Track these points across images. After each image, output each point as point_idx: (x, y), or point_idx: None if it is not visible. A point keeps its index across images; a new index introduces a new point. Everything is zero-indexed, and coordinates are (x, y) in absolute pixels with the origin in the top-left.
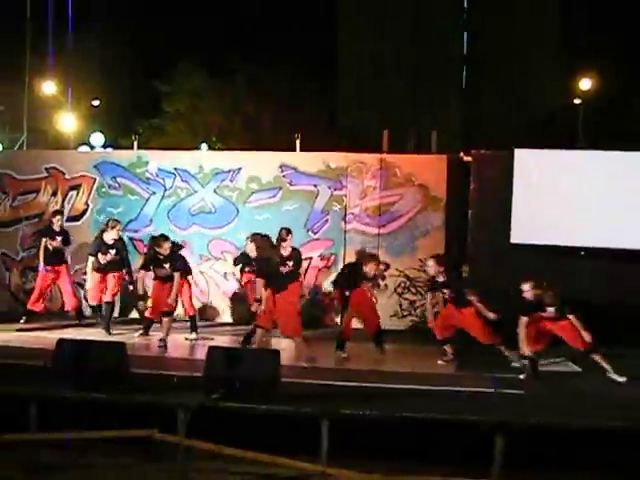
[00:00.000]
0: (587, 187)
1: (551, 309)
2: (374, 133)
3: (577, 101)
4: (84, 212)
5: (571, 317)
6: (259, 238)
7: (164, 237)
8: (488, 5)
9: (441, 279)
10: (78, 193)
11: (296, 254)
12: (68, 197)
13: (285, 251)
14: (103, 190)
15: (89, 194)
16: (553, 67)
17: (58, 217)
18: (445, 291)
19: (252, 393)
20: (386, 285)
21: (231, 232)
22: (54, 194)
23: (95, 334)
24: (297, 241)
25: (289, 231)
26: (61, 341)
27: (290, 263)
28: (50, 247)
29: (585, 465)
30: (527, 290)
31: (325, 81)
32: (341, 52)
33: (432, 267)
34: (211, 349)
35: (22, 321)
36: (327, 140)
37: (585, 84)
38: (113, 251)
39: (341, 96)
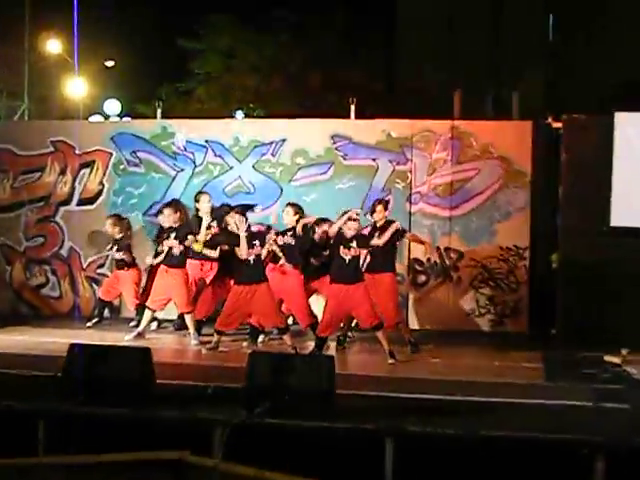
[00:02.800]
0: None
1: None
2: (443, 96)
3: None
4: (98, 194)
5: None
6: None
7: None
8: None
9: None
10: (91, 171)
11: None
12: (79, 176)
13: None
14: (121, 167)
15: (104, 172)
16: None
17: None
18: None
19: (303, 407)
20: (460, 278)
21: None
22: (62, 173)
23: None
24: None
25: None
26: (73, 346)
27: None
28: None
29: None
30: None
31: (383, 32)
32: None
33: None
34: (253, 355)
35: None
36: (387, 105)
37: None
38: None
39: (402, 51)
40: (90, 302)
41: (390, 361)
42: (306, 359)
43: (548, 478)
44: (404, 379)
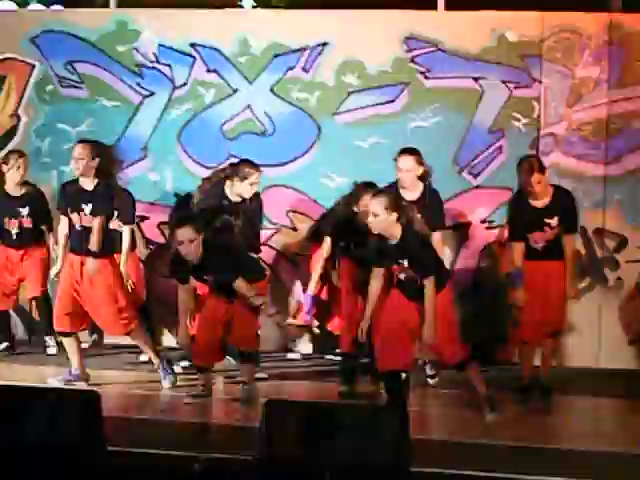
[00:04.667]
0: None
1: None
2: None
3: None
4: (10, 133)
5: None
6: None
7: None
8: None
9: None
10: None
11: None
12: None
13: None
14: (49, 89)
15: (20, 97)
16: None
17: None
18: None
19: None
20: (620, 280)
21: (306, 173)
22: None
23: None
24: (441, 189)
25: None
26: None
27: None
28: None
29: None
30: None
31: None
32: None
33: None
34: (270, 406)
35: None
36: None
37: None
38: None
39: None
40: None
41: (489, 416)
42: (364, 411)
43: None
44: (513, 450)
